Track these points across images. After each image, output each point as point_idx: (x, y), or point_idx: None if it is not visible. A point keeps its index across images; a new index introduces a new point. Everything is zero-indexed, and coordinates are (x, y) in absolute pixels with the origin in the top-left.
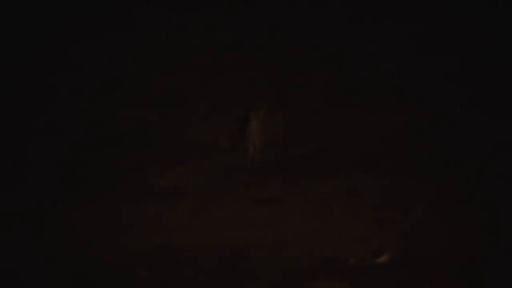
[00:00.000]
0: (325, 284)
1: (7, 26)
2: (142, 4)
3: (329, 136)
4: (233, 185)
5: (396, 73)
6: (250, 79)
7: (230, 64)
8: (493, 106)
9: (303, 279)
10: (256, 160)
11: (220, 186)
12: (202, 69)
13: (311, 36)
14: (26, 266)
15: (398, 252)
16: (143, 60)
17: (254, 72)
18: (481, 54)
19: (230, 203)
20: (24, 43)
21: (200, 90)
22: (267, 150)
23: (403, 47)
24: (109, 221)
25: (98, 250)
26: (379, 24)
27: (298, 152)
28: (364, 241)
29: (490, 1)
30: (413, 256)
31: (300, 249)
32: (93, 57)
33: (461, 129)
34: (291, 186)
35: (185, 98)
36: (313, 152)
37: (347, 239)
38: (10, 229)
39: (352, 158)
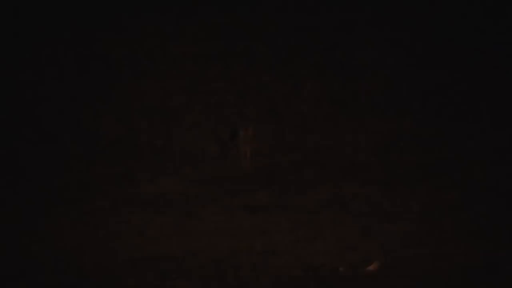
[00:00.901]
0: None
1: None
2: (132, 12)
3: (317, 146)
4: (221, 193)
5: (385, 83)
6: (239, 87)
7: (219, 72)
8: (481, 117)
9: (292, 287)
10: (245, 171)
11: (208, 194)
12: (191, 78)
13: (301, 44)
14: (14, 273)
15: (386, 261)
16: (133, 69)
17: (243, 80)
18: (470, 66)
19: (218, 211)
20: (15, 51)
21: (189, 98)
22: (256, 159)
23: (393, 58)
24: (97, 229)
25: (87, 257)
26: (369, 34)
27: (286, 161)
28: (352, 249)
29: (483, 12)
30: (401, 264)
31: (289, 258)
32: (83, 66)
33: (449, 139)
34: (280, 195)
35: (174, 107)
36: (301, 161)
37: (335, 248)
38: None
39: (340, 167)
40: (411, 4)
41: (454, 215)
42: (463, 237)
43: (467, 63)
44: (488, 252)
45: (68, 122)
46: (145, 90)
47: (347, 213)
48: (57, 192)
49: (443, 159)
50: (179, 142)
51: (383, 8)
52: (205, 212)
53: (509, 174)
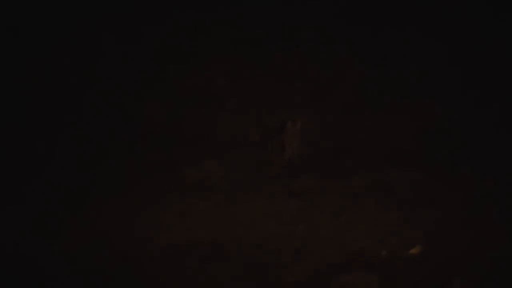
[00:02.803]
0: (356, 277)
1: (40, 21)
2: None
3: (360, 132)
4: (264, 178)
5: (423, 70)
6: (282, 73)
7: (263, 57)
8: None
9: (333, 271)
10: (292, 162)
11: (251, 179)
12: (234, 63)
13: (342, 34)
14: (50, 256)
15: (428, 246)
16: (175, 54)
17: (287, 66)
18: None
19: (261, 196)
20: (57, 38)
21: (233, 83)
22: (301, 149)
23: (431, 46)
24: (139, 213)
25: (128, 242)
26: (407, 26)
27: (329, 147)
28: (394, 234)
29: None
30: (441, 250)
31: (330, 242)
32: (126, 52)
33: (489, 128)
34: (323, 180)
35: (217, 92)
36: (344, 147)
37: (377, 233)
38: (40, 222)
39: (382, 154)
40: None
41: (495, 201)
42: (504, 224)
43: (502, 53)
44: None
45: (112, 108)
46: (188, 75)
47: (389, 198)
48: (99, 177)
49: (482, 149)
50: (222, 127)
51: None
52: (247, 196)
53: None
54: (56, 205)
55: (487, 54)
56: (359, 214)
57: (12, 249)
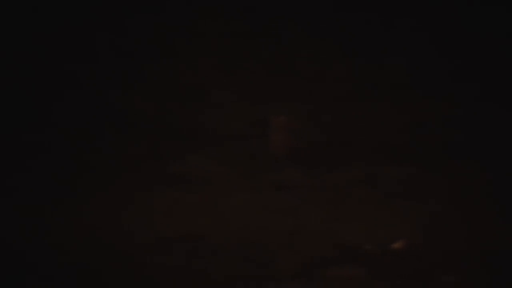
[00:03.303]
0: (342, 271)
1: (25, 14)
2: None
3: (348, 125)
4: (251, 171)
5: (413, 63)
6: (270, 66)
7: (249, 51)
8: (509, 99)
9: (321, 265)
10: (278, 155)
11: (237, 172)
12: (220, 56)
13: (330, 27)
14: (38, 253)
15: (414, 240)
16: (161, 47)
17: (274, 59)
18: (499, 46)
19: (248, 190)
20: (42, 29)
21: (219, 77)
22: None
23: (421, 38)
24: (124, 207)
25: (113, 236)
26: (399, 16)
27: (317, 140)
28: (380, 229)
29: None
30: (430, 245)
31: (318, 236)
32: (111, 46)
33: (481, 122)
34: (310, 174)
35: (203, 86)
36: (332, 140)
37: (364, 227)
38: (22, 215)
39: (370, 147)
40: None
41: (485, 196)
42: (493, 218)
43: (495, 43)
44: None
45: (97, 101)
46: (174, 69)
47: (377, 192)
48: (86, 170)
49: (475, 141)
50: (209, 120)
51: None
52: (234, 190)
53: None
54: (42, 198)
55: (478, 46)
56: (347, 208)
57: None
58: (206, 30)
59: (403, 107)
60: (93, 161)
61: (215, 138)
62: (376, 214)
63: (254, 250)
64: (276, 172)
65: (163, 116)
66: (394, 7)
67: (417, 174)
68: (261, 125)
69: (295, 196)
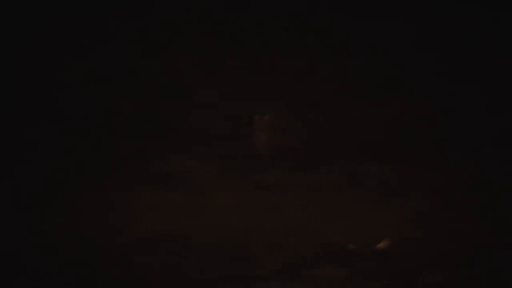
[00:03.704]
0: (326, 271)
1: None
2: None
3: (330, 124)
4: (233, 171)
5: (396, 62)
6: (252, 65)
7: (232, 50)
8: (493, 95)
9: (303, 265)
10: (261, 155)
11: (220, 172)
12: (203, 55)
13: (313, 25)
14: (25, 252)
15: (398, 239)
16: (145, 46)
17: (256, 58)
18: (481, 44)
19: (230, 189)
20: (31, 32)
21: (201, 76)
22: (270, 138)
23: (403, 37)
24: (108, 206)
25: (97, 235)
26: (379, 15)
27: (299, 139)
28: (364, 228)
29: None
30: (416, 243)
31: (301, 236)
32: (94, 46)
33: (461, 118)
34: (292, 173)
35: (186, 84)
36: (314, 139)
37: (347, 226)
38: (11, 215)
39: (353, 146)
40: None
41: (466, 193)
42: (475, 216)
43: (477, 41)
44: (499, 231)
45: (80, 100)
46: (157, 68)
47: (359, 191)
48: (68, 170)
49: (456, 138)
50: (191, 119)
51: None
52: (216, 190)
53: None
54: (28, 198)
55: (462, 42)
56: (329, 207)
57: None
58: (190, 30)
59: (387, 106)
60: (78, 161)
61: (200, 137)
62: (361, 213)
63: (238, 249)
64: (260, 172)
65: (147, 116)
66: (378, 6)
67: (400, 173)
68: (245, 125)
69: (279, 195)
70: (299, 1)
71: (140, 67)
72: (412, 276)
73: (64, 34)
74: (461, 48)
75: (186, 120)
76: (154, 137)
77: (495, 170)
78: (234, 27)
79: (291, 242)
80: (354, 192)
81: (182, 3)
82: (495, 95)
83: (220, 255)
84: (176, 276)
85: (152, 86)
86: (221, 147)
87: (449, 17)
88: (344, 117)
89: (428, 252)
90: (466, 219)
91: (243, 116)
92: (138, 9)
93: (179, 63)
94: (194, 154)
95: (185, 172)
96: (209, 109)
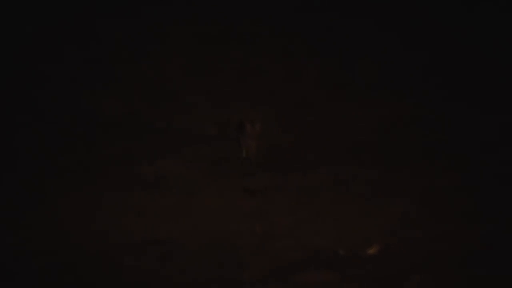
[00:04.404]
0: (315, 276)
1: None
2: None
3: (317, 127)
4: (221, 175)
5: (383, 65)
6: (239, 69)
7: (219, 54)
8: (482, 98)
9: (292, 270)
10: (251, 162)
11: (207, 176)
12: (190, 59)
13: (300, 27)
14: (10, 255)
15: (387, 244)
16: (132, 50)
17: (243, 62)
18: (470, 48)
19: (218, 193)
20: (14, 32)
21: (189, 80)
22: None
23: (390, 40)
24: (96, 210)
25: (85, 239)
26: (367, 17)
27: (286, 143)
28: (352, 231)
29: None
30: (401, 246)
31: (289, 240)
32: (82, 46)
33: (449, 121)
34: (280, 177)
35: (173, 88)
36: (301, 142)
37: (335, 230)
38: None
39: (341, 149)
40: None
41: (454, 196)
42: (463, 219)
43: (466, 44)
44: (487, 234)
45: (67, 103)
46: (145, 71)
47: (348, 195)
48: (55, 173)
49: (443, 141)
50: (179, 123)
51: None
52: (204, 194)
53: (510, 157)
54: (14, 200)
55: (452, 46)
56: (317, 211)
57: None
58: (177, 33)
59: (372, 109)
60: (65, 163)
61: (187, 141)
62: (349, 217)
63: (226, 254)
64: (245, 176)
65: (134, 119)
66: (363, 8)
67: (388, 175)
68: (230, 128)
69: (267, 199)
70: (287, 4)
71: (128, 70)
72: (402, 279)
73: (52, 36)
74: (451, 52)
75: (173, 123)
76: (142, 141)
77: (483, 173)
78: (222, 30)
79: (279, 246)
80: (342, 195)
81: (170, 7)
82: (485, 99)
83: (208, 259)
84: (164, 280)
85: (140, 89)
86: (208, 151)
87: (440, 20)
88: (332, 120)
89: (417, 254)
90: (454, 222)
91: (231, 120)
92: (126, 12)
93: (167, 66)
94: (182, 158)
95: (173, 176)
96: (197, 113)
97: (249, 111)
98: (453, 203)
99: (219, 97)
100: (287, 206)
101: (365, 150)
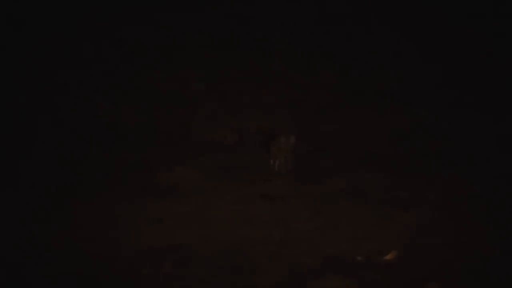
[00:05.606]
0: (332, 282)
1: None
2: (149, 2)
3: (334, 135)
4: (239, 182)
5: (399, 74)
6: (257, 76)
7: (237, 61)
8: (496, 106)
9: (309, 276)
10: (280, 173)
11: (226, 183)
12: (209, 66)
13: (318, 34)
14: (31, 263)
15: (403, 250)
16: (151, 58)
17: (261, 69)
18: (484, 57)
19: (236, 200)
20: (35, 40)
21: (207, 87)
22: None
23: (406, 49)
24: (114, 217)
25: (104, 246)
26: (383, 26)
27: (304, 150)
28: (369, 238)
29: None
30: (417, 253)
31: (306, 246)
32: (102, 56)
33: (464, 129)
34: (298, 184)
35: (191, 97)
36: (319, 150)
37: (352, 237)
38: (15, 226)
39: (357, 157)
40: None
41: (470, 204)
42: (478, 226)
43: (479, 55)
44: (503, 240)
45: (87, 111)
46: (164, 79)
47: (364, 202)
48: (75, 181)
49: (459, 149)
50: (197, 130)
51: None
52: (222, 201)
53: None
54: (32, 208)
55: (464, 55)
56: (334, 218)
57: None
58: (195, 42)
59: (388, 117)
60: (83, 170)
61: (203, 148)
62: (363, 224)
63: (243, 260)
64: (263, 183)
65: (151, 127)
66: (379, 18)
67: (403, 183)
68: (249, 136)
69: (284, 206)
70: (303, 13)
71: (146, 79)
72: (419, 285)
73: (72, 45)
74: (462, 61)
75: (190, 131)
76: (158, 149)
77: (500, 181)
78: (238, 38)
79: (297, 253)
80: (359, 203)
81: (189, 15)
82: (499, 108)
83: (225, 266)
84: (180, 286)
85: (156, 97)
86: (227, 158)
87: (451, 31)
88: (349, 128)
89: (434, 261)
90: (471, 229)
91: (247, 128)
92: (145, 21)
93: (184, 75)
94: (198, 166)
95: (191, 183)
96: (213, 120)
97: (266, 119)
98: (470, 210)
99: (237, 105)
100: (305, 213)
101: (382, 158)
